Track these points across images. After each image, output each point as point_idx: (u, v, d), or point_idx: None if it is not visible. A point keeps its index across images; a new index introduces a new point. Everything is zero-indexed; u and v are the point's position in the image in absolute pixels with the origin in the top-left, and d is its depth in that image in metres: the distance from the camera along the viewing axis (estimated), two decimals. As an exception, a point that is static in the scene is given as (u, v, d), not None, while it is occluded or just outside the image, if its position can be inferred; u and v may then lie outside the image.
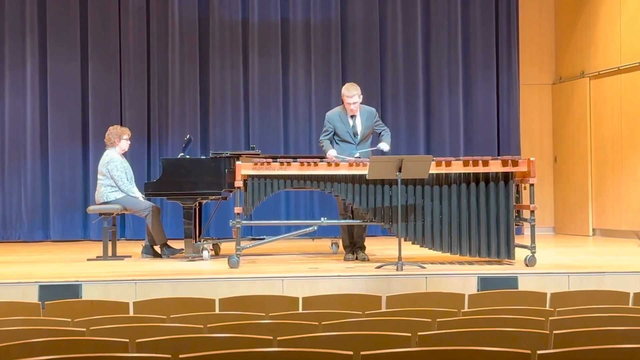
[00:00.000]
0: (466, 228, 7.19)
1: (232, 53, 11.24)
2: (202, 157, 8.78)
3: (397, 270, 6.69)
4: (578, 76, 11.21)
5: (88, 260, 8.11)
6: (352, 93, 7.62)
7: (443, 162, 7.15)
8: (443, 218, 7.19)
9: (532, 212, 7.14)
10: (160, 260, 8.06)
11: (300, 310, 4.93)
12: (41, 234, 10.94)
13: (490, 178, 7.19)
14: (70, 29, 11.04)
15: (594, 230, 11.00)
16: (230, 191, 8.03)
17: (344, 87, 7.84)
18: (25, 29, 10.99)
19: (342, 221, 7.71)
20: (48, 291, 6.06)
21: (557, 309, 4.53)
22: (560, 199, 11.61)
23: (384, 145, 7.66)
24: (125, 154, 8.49)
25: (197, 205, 8.17)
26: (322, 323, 3.97)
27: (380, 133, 7.83)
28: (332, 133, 7.72)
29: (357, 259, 7.67)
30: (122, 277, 6.61)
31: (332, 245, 8.74)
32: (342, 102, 7.80)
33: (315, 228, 7.59)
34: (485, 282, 6.41)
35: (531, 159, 7.22)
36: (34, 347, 3.38)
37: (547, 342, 3.58)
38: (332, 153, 7.54)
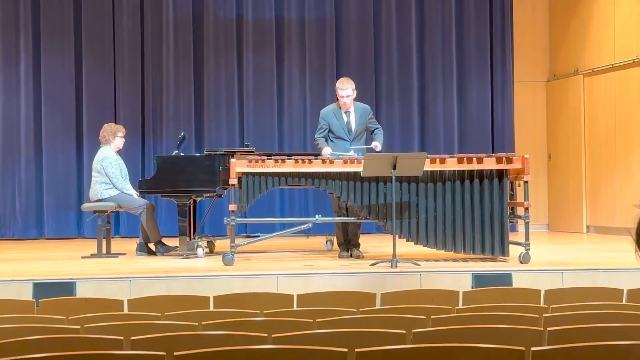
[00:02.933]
0: (460, 225, 7.19)
1: (226, 51, 11.23)
2: (197, 154, 8.77)
3: (391, 267, 6.70)
4: (572, 73, 11.22)
5: (82, 257, 8.10)
6: (345, 87, 7.63)
7: (437, 160, 7.16)
8: (437, 215, 7.20)
9: (526, 209, 7.15)
10: (154, 257, 8.06)
11: (295, 308, 4.93)
12: (35, 232, 10.92)
13: (485, 175, 7.19)
14: (64, 27, 11.01)
15: (587, 227, 11.02)
16: (225, 189, 8.02)
17: (338, 81, 7.84)
18: (19, 27, 10.96)
19: (337, 218, 7.71)
20: (42, 289, 6.05)
21: (551, 306, 4.54)
22: (554, 196, 11.63)
23: (377, 145, 7.67)
24: (119, 152, 8.48)
25: (192, 202, 8.16)
26: (317, 320, 3.97)
27: (373, 131, 7.84)
28: (327, 130, 7.73)
29: (351, 256, 7.67)
30: (117, 274, 6.61)
31: (326, 243, 8.74)
32: (337, 99, 7.80)
33: (310, 225, 7.60)
34: (479, 279, 6.42)
35: (525, 156, 7.23)
36: (28, 344, 3.37)
37: (541, 339, 3.59)
38: (327, 151, 7.55)
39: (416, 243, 7.26)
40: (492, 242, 7.18)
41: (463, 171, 7.19)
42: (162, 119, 11.13)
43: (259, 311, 4.41)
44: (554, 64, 11.69)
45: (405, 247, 7.50)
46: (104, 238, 8.19)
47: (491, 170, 7.18)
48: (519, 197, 7.44)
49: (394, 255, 6.77)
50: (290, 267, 7.00)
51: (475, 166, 7.16)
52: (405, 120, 11.45)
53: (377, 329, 3.66)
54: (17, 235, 10.86)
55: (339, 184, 7.19)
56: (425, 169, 7.06)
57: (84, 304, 5.09)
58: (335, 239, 8.15)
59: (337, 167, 7.17)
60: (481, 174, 7.20)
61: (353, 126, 7.70)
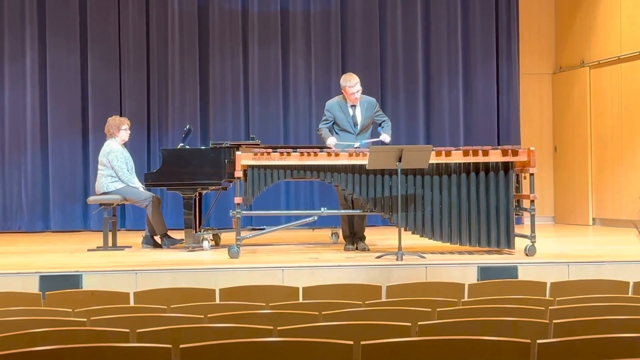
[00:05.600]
0: (466, 218, 7.19)
1: (231, 43, 11.22)
2: (202, 147, 8.78)
3: (397, 260, 6.70)
4: (578, 65, 11.19)
5: (88, 250, 8.12)
6: (354, 82, 7.61)
7: (443, 152, 7.15)
8: (443, 208, 7.19)
9: (532, 201, 7.14)
10: (160, 250, 8.07)
11: (301, 300, 4.94)
12: (41, 225, 10.95)
13: (490, 168, 7.18)
14: (70, 20, 11.02)
15: (593, 219, 11.00)
16: (230, 181, 8.03)
17: (342, 78, 7.80)
18: (24, 21, 10.97)
19: (342, 211, 7.71)
20: (49, 281, 6.07)
21: (556, 299, 4.53)
22: (560, 188, 11.61)
23: (385, 137, 7.66)
24: (125, 144, 8.48)
25: (197, 195, 8.17)
26: (322, 313, 3.97)
27: (380, 123, 7.82)
28: (332, 122, 7.71)
29: (357, 249, 7.67)
30: (123, 267, 6.62)
31: (332, 236, 8.75)
32: (342, 92, 7.78)
33: (315, 218, 7.60)
34: (485, 272, 6.42)
35: (531, 148, 7.21)
36: (34, 337, 3.39)
37: (547, 332, 3.59)
38: (331, 141, 7.54)
39: (422, 236, 7.26)
40: (498, 235, 7.17)
41: (468, 164, 7.18)
42: (167, 112, 11.13)
43: (264, 304, 4.42)
44: (560, 56, 11.66)
45: (411, 239, 7.50)
46: (109, 231, 8.21)
47: (497, 163, 7.17)
48: (525, 189, 7.43)
49: (400, 247, 6.77)
50: (295, 260, 7.00)
51: (480, 158, 7.15)
52: (411, 112, 11.44)
53: (382, 322, 3.66)
54: (24, 228, 10.89)
55: (344, 177, 7.19)
56: (431, 161, 7.05)
57: (90, 297, 5.10)
58: (340, 232, 8.14)
59: (343, 160, 7.16)
60: (487, 167, 7.19)
61: (359, 120, 7.69)
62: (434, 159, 7.09)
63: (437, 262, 6.73)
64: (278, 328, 3.48)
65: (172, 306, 4.36)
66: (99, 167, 8.30)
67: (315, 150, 7.25)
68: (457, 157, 7.15)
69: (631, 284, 5.15)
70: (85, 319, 3.94)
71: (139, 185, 8.29)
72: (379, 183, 7.16)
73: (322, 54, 11.30)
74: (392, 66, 11.43)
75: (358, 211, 7.50)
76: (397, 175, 6.94)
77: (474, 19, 11.52)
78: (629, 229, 9.79)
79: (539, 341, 3.10)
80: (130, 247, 8.33)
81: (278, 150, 7.24)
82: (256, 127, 11.02)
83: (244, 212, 7.35)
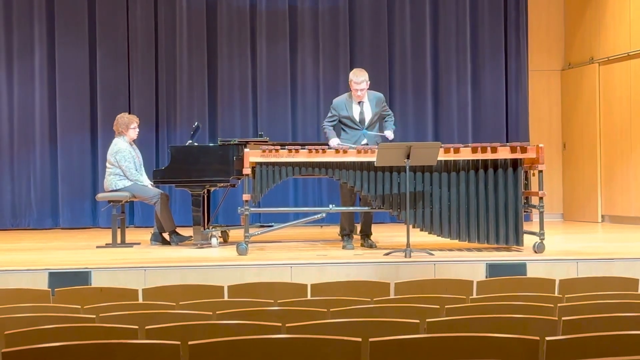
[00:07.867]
0: (475, 215, 7.17)
1: (240, 40, 11.23)
2: (211, 144, 8.79)
3: (405, 257, 6.69)
4: (587, 62, 11.16)
5: (97, 247, 8.13)
6: (360, 79, 7.57)
7: (451, 149, 7.14)
8: (451, 205, 7.18)
9: (541, 198, 7.12)
10: (169, 247, 8.08)
11: (309, 297, 4.94)
12: (50, 222, 10.98)
13: (499, 165, 7.17)
14: (78, 17, 11.04)
15: (602, 216, 10.97)
16: (239, 178, 8.03)
17: (351, 72, 7.78)
18: (33, 17, 11.00)
19: (351, 208, 7.69)
20: (58, 278, 6.09)
21: (565, 296, 4.53)
22: (569, 185, 11.58)
23: (389, 134, 7.62)
24: (134, 141, 8.49)
25: (206, 192, 8.17)
26: (331, 310, 3.98)
27: (384, 118, 7.80)
28: (337, 120, 7.68)
29: (363, 245, 7.66)
30: (131, 264, 6.63)
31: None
32: (350, 88, 7.76)
33: (324, 215, 7.60)
34: (493, 269, 6.41)
35: (540, 145, 7.20)
36: (43, 333, 3.40)
37: (556, 329, 3.58)
38: (334, 142, 7.48)
39: (430, 233, 7.25)
40: (507, 232, 7.15)
41: (477, 160, 7.17)
42: (175, 109, 11.15)
43: (272, 301, 4.42)
44: (569, 53, 11.63)
45: (419, 236, 7.49)
46: (118, 228, 8.22)
47: (505, 160, 7.16)
48: (534, 186, 7.41)
49: (408, 244, 6.76)
50: (304, 257, 7.00)
51: (489, 155, 7.13)
52: (419, 109, 11.43)
53: (390, 319, 3.66)
54: (33, 225, 10.93)
55: (352, 174, 7.18)
56: (439, 158, 7.04)
57: (99, 294, 5.11)
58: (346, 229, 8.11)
59: (351, 157, 7.15)
60: (495, 164, 7.17)
61: (367, 116, 7.64)
62: (442, 156, 7.08)
63: (445, 259, 6.72)
64: (286, 325, 3.48)
65: (180, 303, 4.37)
66: (107, 165, 8.32)
67: (323, 147, 7.24)
68: (465, 154, 7.14)
69: (640, 281, 5.13)
70: (94, 316, 3.95)
71: (148, 183, 8.30)
72: (387, 180, 7.16)
73: (330, 51, 11.29)
74: (401, 63, 11.41)
75: (366, 208, 7.50)
76: (405, 172, 6.93)
77: (482, 16, 11.50)
78: (638, 226, 9.77)
79: (547, 338, 3.09)
80: (139, 244, 8.34)
81: (286, 147, 7.24)
82: (264, 124, 11.02)
83: (252, 209, 7.35)
